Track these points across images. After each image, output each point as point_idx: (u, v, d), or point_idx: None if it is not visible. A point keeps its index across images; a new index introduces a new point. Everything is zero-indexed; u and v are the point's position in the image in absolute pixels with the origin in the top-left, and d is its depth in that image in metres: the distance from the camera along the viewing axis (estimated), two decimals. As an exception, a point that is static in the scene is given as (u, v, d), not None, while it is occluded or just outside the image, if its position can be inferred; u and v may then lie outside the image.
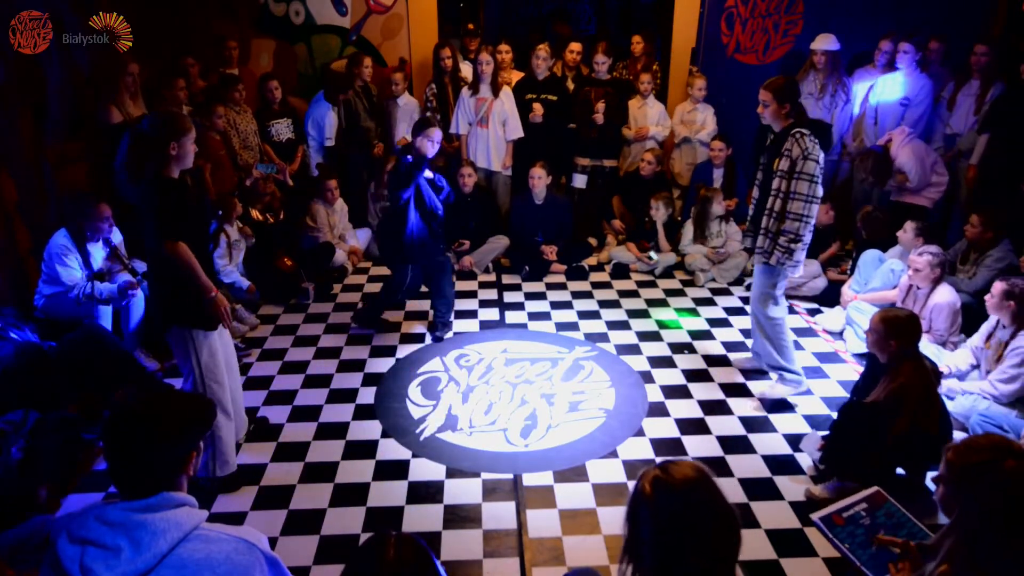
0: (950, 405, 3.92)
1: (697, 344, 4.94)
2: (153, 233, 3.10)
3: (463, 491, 3.52)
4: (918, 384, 3.24)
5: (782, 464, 3.71)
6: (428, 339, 5.00)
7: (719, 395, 4.33)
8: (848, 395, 3.93)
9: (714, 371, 4.59)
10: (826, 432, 3.68)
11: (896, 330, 3.31)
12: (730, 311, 5.44)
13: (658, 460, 3.64)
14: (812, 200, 3.82)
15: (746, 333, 5.06)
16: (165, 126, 3.02)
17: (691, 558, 1.53)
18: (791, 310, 5.23)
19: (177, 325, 3.25)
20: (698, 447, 3.86)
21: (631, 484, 3.52)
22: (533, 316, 5.38)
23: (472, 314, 5.40)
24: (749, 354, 4.68)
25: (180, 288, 3.18)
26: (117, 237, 4.68)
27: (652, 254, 6.08)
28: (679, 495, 1.55)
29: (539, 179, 6.00)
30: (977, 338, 4.12)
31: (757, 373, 4.53)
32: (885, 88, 5.95)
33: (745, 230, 4.48)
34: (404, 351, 4.85)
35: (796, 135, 3.81)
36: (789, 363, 4.23)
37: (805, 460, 3.71)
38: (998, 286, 3.92)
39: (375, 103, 6.38)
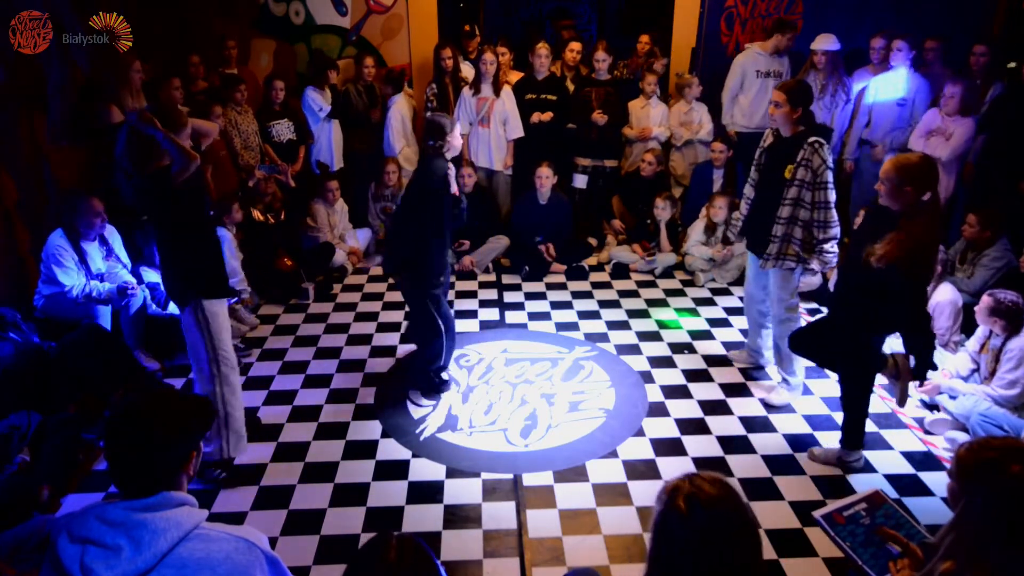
0: (951, 405, 3.92)
1: (697, 344, 4.94)
2: (159, 217, 3.27)
3: (463, 491, 3.52)
4: (934, 241, 3.17)
5: (782, 464, 3.71)
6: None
7: (719, 395, 4.33)
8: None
9: (714, 371, 4.59)
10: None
11: (910, 174, 3.03)
12: (730, 311, 5.44)
13: (659, 460, 3.68)
14: (833, 206, 3.90)
15: (746, 333, 5.05)
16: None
17: (724, 572, 1.55)
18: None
19: (193, 297, 3.36)
20: (698, 447, 3.86)
21: (631, 484, 3.55)
22: (533, 316, 5.38)
23: (472, 314, 5.40)
24: (746, 352, 4.69)
25: (189, 261, 3.32)
26: (116, 238, 4.68)
27: (656, 257, 6.06)
28: (714, 511, 1.58)
29: (546, 179, 5.99)
30: (974, 342, 4.10)
31: (756, 369, 4.55)
32: (881, 88, 5.94)
33: (740, 231, 4.49)
34: (404, 351, 4.86)
35: (815, 144, 3.79)
36: (791, 366, 4.21)
37: (805, 460, 3.72)
38: (985, 300, 3.91)
39: (376, 101, 6.37)
